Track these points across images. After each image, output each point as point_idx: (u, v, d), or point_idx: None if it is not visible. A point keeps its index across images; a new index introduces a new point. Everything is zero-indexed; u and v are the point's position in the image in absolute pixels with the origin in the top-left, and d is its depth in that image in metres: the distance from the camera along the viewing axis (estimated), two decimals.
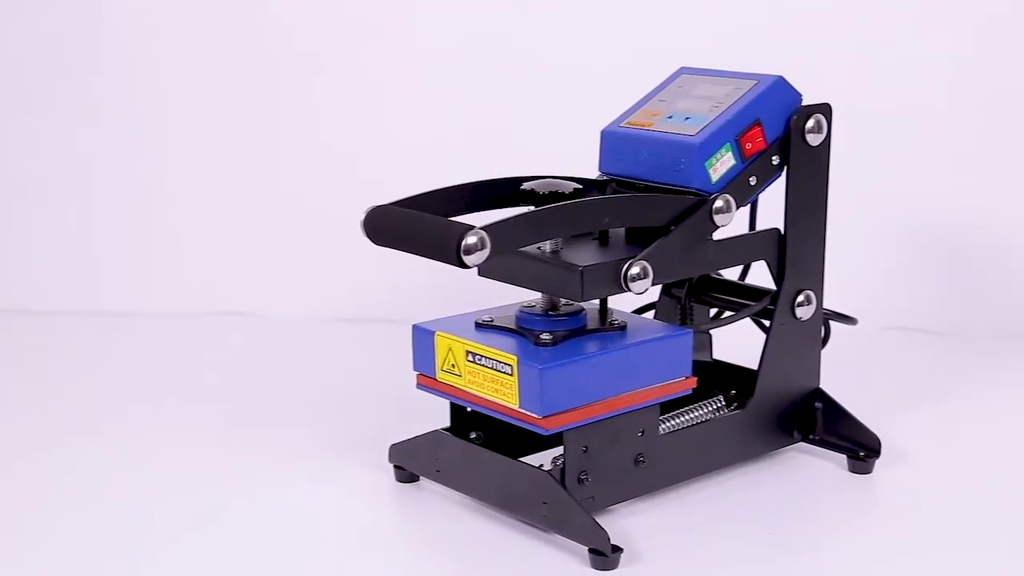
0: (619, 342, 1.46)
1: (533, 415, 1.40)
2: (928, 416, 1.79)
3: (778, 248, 1.57)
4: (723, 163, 1.50)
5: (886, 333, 2.16)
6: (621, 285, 1.42)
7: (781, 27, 2.21)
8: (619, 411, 1.44)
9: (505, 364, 1.41)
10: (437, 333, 1.48)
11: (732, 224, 1.52)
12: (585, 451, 1.43)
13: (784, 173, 1.56)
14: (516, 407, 1.41)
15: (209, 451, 1.70)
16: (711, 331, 1.64)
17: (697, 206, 1.48)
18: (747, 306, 1.59)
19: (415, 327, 1.51)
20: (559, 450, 1.46)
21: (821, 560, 1.41)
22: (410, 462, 1.57)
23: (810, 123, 1.55)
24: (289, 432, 1.75)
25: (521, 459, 1.50)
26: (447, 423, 1.55)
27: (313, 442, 1.71)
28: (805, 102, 1.55)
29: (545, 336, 1.44)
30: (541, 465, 1.48)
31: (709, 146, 1.49)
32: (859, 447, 1.62)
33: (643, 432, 1.48)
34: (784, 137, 1.54)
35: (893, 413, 1.78)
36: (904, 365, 2.03)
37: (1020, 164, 2.19)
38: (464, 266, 1.31)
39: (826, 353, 1.64)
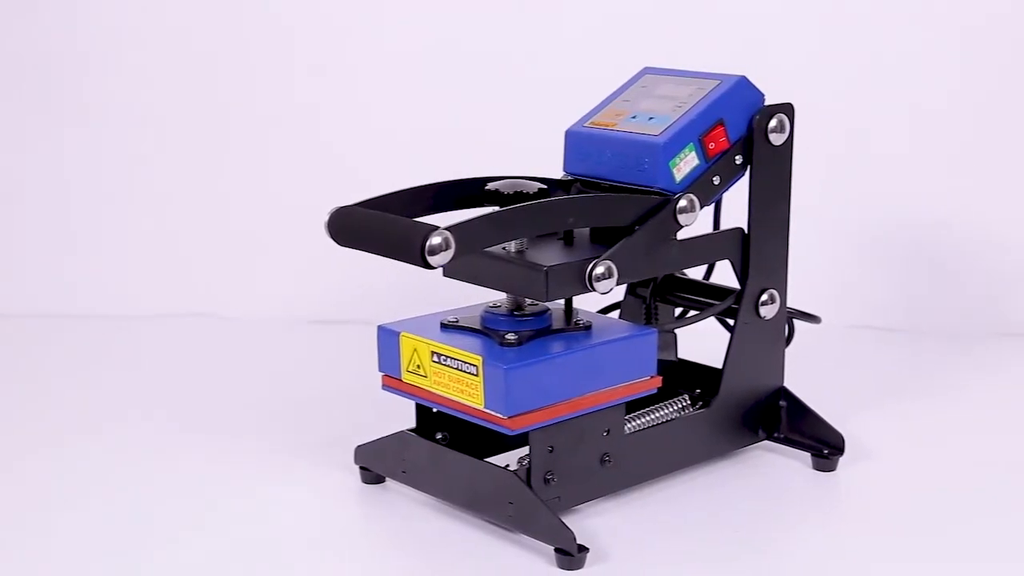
0: (584, 342, 1.46)
1: (498, 415, 1.40)
2: (892, 413, 1.80)
3: (742, 247, 1.58)
4: (687, 163, 1.51)
5: (849, 331, 2.18)
6: (586, 285, 1.43)
7: (744, 26, 2.21)
8: (584, 411, 1.45)
9: (470, 364, 1.41)
10: (402, 334, 1.48)
11: (697, 223, 1.52)
12: (551, 451, 1.43)
13: (747, 173, 1.56)
14: (481, 407, 1.41)
15: (176, 454, 1.69)
16: (676, 330, 1.65)
17: (661, 206, 1.48)
18: (711, 305, 1.60)
19: (380, 328, 1.51)
20: (525, 450, 1.46)
21: (786, 557, 1.42)
22: (376, 463, 1.57)
23: (773, 123, 1.55)
24: (255, 434, 1.74)
25: (487, 459, 1.50)
26: (413, 424, 1.55)
27: (279, 444, 1.71)
28: (768, 101, 1.56)
29: (510, 336, 1.44)
30: (507, 465, 1.48)
31: (673, 146, 1.50)
32: (823, 445, 1.63)
33: (608, 432, 1.48)
34: (747, 137, 1.55)
35: (857, 411, 1.79)
36: (867, 363, 2.04)
37: (981, 164, 2.20)
38: (429, 267, 1.31)
39: (790, 351, 1.65)
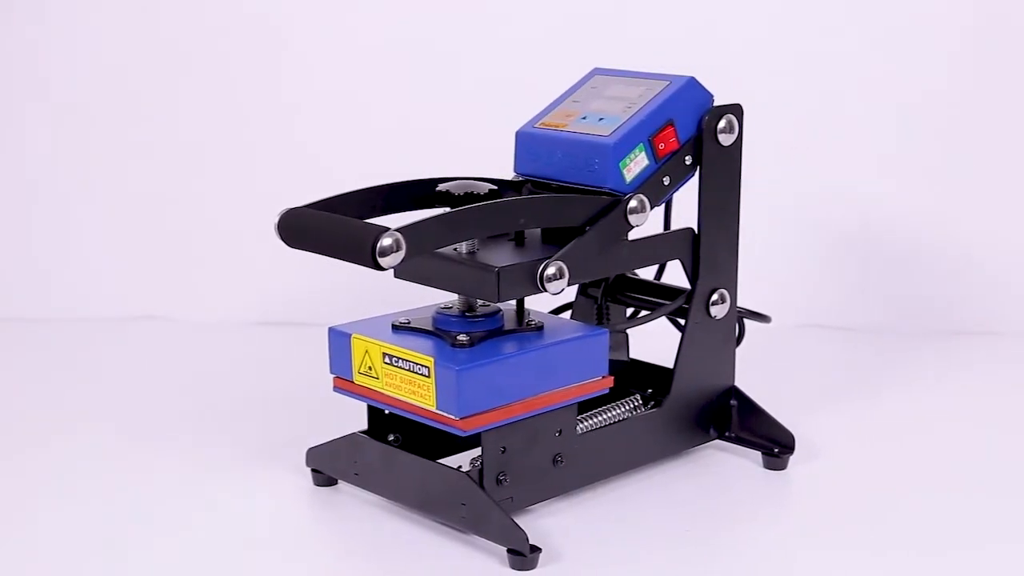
0: (536, 342, 1.46)
1: (450, 417, 1.40)
2: (842, 412, 1.81)
3: (692, 247, 1.58)
4: (637, 163, 1.51)
5: (799, 330, 2.19)
6: (537, 285, 1.43)
7: (695, 26, 2.22)
8: (537, 411, 1.45)
9: (422, 366, 1.41)
10: (353, 336, 1.48)
11: (648, 223, 1.53)
12: (503, 452, 1.43)
13: (697, 173, 1.57)
14: (433, 409, 1.41)
15: (127, 457, 1.68)
16: (628, 330, 1.65)
17: (612, 206, 1.49)
18: (662, 305, 1.61)
19: (331, 330, 1.51)
20: (477, 451, 1.46)
21: (737, 556, 1.42)
22: (328, 465, 1.57)
23: (722, 123, 1.56)
24: (206, 437, 1.74)
25: (439, 461, 1.50)
26: (365, 426, 1.55)
27: (231, 446, 1.70)
28: (717, 102, 1.57)
29: (462, 337, 1.44)
30: (459, 467, 1.48)
31: (623, 146, 1.50)
32: (773, 443, 1.64)
33: (561, 432, 1.48)
34: (696, 137, 1.55)
35: (807, 409, 1.80)
36: (817, 362, 2.06)
37: (931, 163, 2.22)
38: (380, 268, 1.30)
39: (740, 351, 1.66)
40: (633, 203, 1.50)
